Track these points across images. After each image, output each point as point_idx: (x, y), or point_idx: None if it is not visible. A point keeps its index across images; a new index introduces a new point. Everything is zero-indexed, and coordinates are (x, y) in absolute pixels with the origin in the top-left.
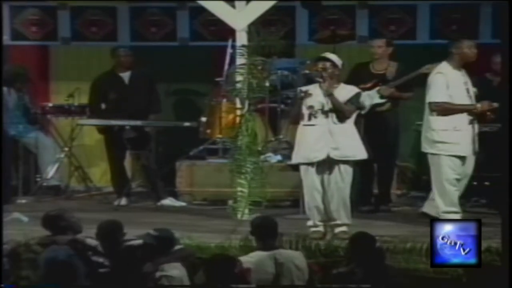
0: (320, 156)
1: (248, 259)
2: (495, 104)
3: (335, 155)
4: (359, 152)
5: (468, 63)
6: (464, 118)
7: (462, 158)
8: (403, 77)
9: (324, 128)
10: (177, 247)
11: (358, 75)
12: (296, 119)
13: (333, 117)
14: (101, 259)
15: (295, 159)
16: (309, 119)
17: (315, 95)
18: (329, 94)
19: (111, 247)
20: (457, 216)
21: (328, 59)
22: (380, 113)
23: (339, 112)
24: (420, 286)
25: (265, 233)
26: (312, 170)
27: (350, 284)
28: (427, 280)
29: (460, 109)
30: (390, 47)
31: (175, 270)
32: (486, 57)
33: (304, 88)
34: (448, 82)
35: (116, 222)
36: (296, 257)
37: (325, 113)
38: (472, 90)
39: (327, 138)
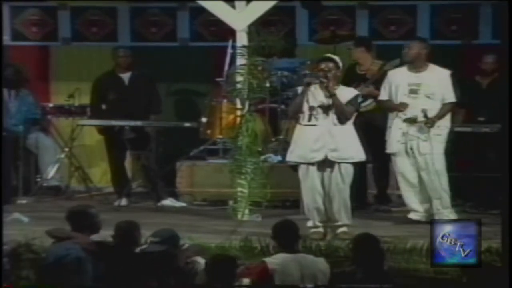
0: (318, 157)
1: (272, 260)
2: (406, 105)
3: (332, 156)
4: (357, 154)
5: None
6: (393, 115)
7: (408, 156)
8: (373, 76)
9: (324, 129)
10: (188, 243)
11: (347, 76)
12: (298, 111)
13: (333, 118)
14: (116, 260)
15: (290, 157)
16: (309, 119)
17: (316, 95)
18: (332, 95)
19: (128, 248)
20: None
21: (332, 60)
22: (365, 113)
23: (341, 114)
24: (420, 286)
25: (288, 237)
26: (313, 171)
27: (352, 285)
28: (427, 280)
29: (388, 108)
30: (358, 48)
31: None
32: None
33: (307, 79)
34: (391, 81)
35: (133, 223)
36: (320, 262)
37: (326, 114)
38: (428, 90)
39: (326, 139)
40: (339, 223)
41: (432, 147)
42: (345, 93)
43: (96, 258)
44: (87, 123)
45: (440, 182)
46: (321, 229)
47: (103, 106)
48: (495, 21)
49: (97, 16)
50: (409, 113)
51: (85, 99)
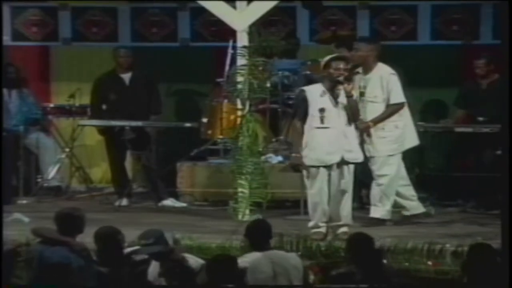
0: (335, 158)
1: (243, 259)
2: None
3: (348, 157)
4: (360, 154)
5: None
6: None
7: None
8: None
9: (339, 130)
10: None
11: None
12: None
13: (345, 119)
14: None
15: (308, 162)
16: (322, 121)
17: (325, 97)
18: (350, 96)
19: (111, 254)
20: None
21: (345, 59)
22: None
23: (354, 115)
24: (420, 286)
25: (259, 236)
26: (323, 173)
27: (350, 285)
28: (427, 280)
29: None
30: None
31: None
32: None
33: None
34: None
35: (113, 228)
36: (291, 257)
37: (338, 115)
38: (371, 93)
39: (341, 140)
40: (341, 223)
41: (374, 150)
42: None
43: (92, 263)
44: (87, 123)
45: (377, 181)
46: (322, 229)
47: (104, 106)
48: (495, 21)
49: (97, 16)
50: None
51: (86, 99)
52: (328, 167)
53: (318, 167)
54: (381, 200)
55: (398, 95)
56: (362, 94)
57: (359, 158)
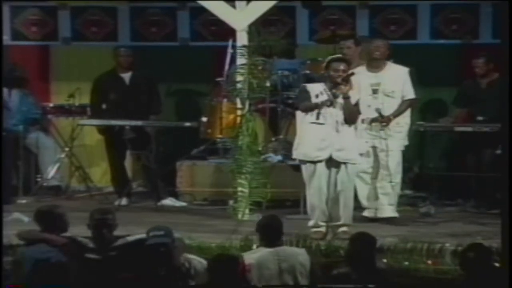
0: (323, 156)
1: (250, 255)
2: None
3: (337, 156)
4: (353, 155)
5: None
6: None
7: (368, 155)
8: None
9: (332, 128)
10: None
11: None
12: (308, 111)
13: (341, 118)
14: (93, 256)
15: (295, 154)
16: (317, 117)
17: (325, 95)
18: (347, 98)
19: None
20: None
21: (346, 61)
22: None
23: (350, 116)
24: (420, 285)
25: (269, 232)
26: (320, 170)
27: (349, 284)
28: (427, 279)
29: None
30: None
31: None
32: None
33: (328, 101)
34: (358, 83)
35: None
36: (300, 254)
37: (335, 113)
38: (388, 88)
39: (333, 138)
40: (340, 223)
41: (392, 144)
42: (352, 96)
43: (76, 258)
44: (87, 123)
45: (391, 179)
46: (322, 229)
47: (104, 106)
48: (495, 21)
49: (97, 16)
50: (371, 113)
51: (85, 99)
52: (324, 166)
53: (305, 162)
54: (394, 199)
55: (412, 91)
56: (375, 91)
57: (350, 158)
